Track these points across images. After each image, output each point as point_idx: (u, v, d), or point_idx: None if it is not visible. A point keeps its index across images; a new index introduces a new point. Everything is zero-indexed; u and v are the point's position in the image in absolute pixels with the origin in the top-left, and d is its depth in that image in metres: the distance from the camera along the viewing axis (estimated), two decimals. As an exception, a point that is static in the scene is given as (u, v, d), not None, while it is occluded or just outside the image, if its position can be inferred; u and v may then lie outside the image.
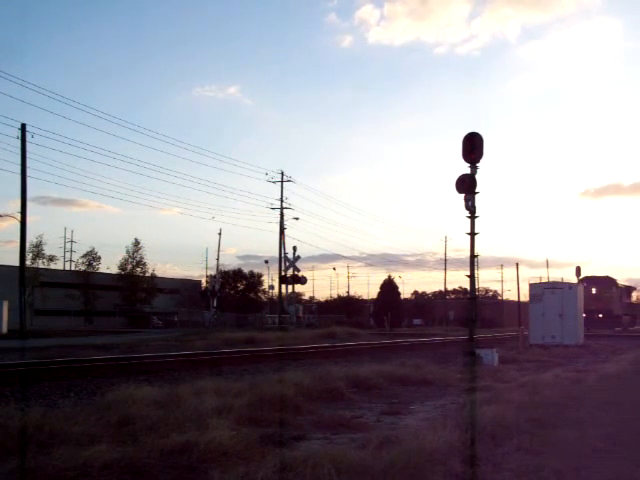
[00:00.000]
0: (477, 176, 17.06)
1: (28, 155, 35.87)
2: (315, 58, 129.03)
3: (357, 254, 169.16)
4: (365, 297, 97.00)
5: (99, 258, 70.99)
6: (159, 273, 77.34)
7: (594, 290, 54.21)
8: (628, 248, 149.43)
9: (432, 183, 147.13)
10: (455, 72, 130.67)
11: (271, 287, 78.56)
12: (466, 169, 17.20)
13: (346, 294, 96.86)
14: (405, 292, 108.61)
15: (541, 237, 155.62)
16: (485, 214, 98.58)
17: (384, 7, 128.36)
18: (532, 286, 30.08)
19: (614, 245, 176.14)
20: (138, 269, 72.15)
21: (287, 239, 55.97)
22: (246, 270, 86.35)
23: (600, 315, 52.36)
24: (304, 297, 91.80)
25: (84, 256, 70.90)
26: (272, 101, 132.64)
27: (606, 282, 57.50)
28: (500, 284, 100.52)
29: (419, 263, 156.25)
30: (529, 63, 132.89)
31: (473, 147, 16.77)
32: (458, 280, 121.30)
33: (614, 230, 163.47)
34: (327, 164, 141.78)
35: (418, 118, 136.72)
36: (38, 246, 58.02)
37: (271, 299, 75.44)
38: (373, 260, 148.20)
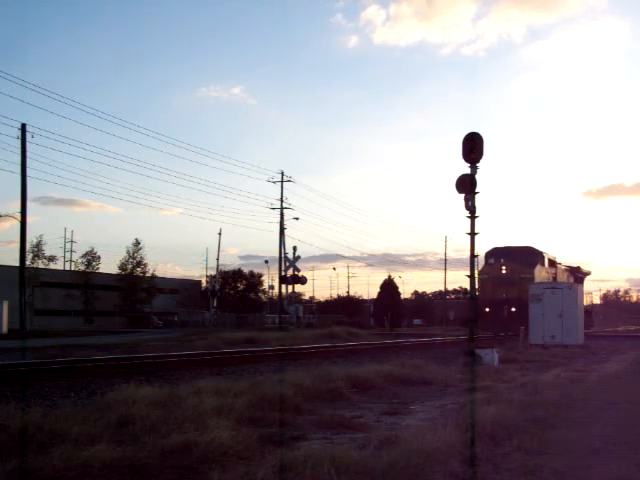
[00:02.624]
0: (477, 176, 17.11)
1: (28, 155, 35.88)
2: (320, 58, 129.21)
3: (357, 254, 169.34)
4: (365, 297, 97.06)
5: (98, 258, 71.14)
6: (160, 273, 77.42)
7: (505, 269, 36.42)
8: (630, 248, 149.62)
9: (433, 183, 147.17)
10: (460, 72, 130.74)
11: (271, 287, 78.65)
12: (467, 169, 17.22)
13: (346, 294, 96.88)
14: (405, 292, 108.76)
15: (542, 237, 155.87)
16: (486, 214, 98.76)
17: (390, 7, 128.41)
18: (532, 286, 30.11)
19: (616, 245, 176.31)
20: (138, 269, 72.16)
21: (287, 239, 56.00)
22: (247, 270, 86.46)
23: (514, 309, 34.70)
24: (304, 297, 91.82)
25: (83, 256, 71.05)
26: (276, 101, 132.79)
27: (528, 256, 37.30)
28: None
29: (419, 263, 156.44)
30: (534, 63, 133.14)
31: (473, 147, 16.80)
32: (458, 280, 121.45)
33: (616, 230, 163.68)
34: (329, 164, 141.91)
35: (422, 118, 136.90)
36: (38, 246, 58.10)
37: (271, 299, 75.44)
38: (373, 260, 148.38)
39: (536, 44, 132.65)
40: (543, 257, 38.71)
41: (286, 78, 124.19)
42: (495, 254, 38.04)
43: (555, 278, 39.82)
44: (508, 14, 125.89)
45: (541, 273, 37.23)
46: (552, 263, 40.96)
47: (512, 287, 35.58)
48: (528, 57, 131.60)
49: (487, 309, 35.03)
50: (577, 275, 48.07)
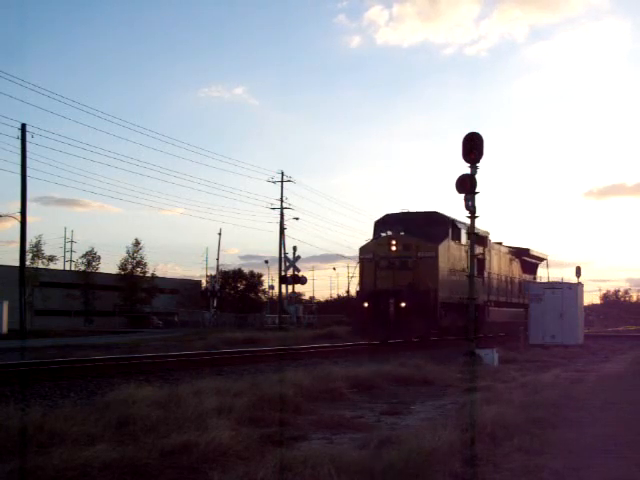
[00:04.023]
0: (477, 176, 17.11)
1: (28, 155, 35.86)
2: (323, 59, 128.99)
3: (357, 254, 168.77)
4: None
5: (98, 258, 71.16)
6: (160, 273, 77.35)
7: (395, 246, 24.52)
8: (630, 248, 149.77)
9: (435, 183, 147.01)
10: (463, 73, 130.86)
11: (271, 287, 78.50)
12: (467, 169, 17.23)
13: (346, 294, 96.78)
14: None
15: (543, 237, 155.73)
16: (487, 214, 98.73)
17: (393, 8, 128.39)
18: (532, 286, 30.13)
19: (617, 245, 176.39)
20: (138, 269, 72.18)
21: (287, 239, 55.97)
22: (247, 270, 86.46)
23: (404, 304, 23.35)
24: (304, 297, 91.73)
25: (83, 256, 71.10)
26: (278, 101, 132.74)
27: (431, 226, 25.42)
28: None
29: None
30: (536, 64, 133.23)
31: (473, 147, 16.81)
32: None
33: (616, 230, 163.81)
34: (329, 164, 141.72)
35: (424, 119, 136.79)
36: (37, 246, 58.09)
37: (271, 299, 75.38)
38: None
39: (539, 44, 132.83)
40: (457, 229, 26.59)
41: (288, 78, 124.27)
42: (387, 224, 26.25)
43: (484, 261, 28.76)
44: (511, 14, 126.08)
45: (452, 252, 26.06)
46: (480, 240, 27.58)
47: (404, 272, 24.13)
48: (530, 57, 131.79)
49: (365, 304, 23.95)
50: (525, 260, 36.57)
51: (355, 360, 16.48)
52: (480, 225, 27.60)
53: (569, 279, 38.13)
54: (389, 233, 25.62)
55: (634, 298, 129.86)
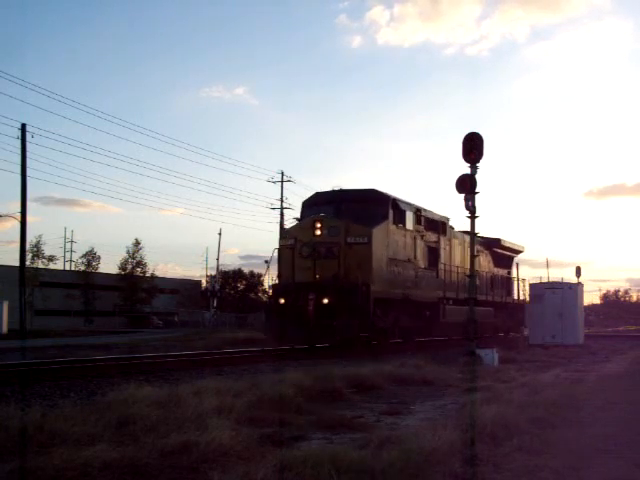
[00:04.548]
0: (477, 176, 17.11)
1: (28, 155, 35.93)
2: (324, 59, 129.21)
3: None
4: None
5: (98, 258, 71.26)
6: (160, 273, 77.46)
7: (320, 229, 20.44)
8: (631, 248, 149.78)
9: (436, 183, 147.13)
10: (464, 73, 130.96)
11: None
12: (468, 169, 17.23)
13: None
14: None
15: (544, 237, 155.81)
16: (487, 214, 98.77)
17: (394, 8, 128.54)
18: (532, 286, 30.13)
19: (617, 245, 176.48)
20: (138, 269, 72.23)
21: (287, 239, 55.93)
22: (247, 270, 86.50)
23: (327, 300, 19.36)
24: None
25: (83, 256, 71.17)
26: (278, 101, 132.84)
27: (367, 206, 21.64)
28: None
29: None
30: (537, 64, 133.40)
31: (473, 147, 16.80)
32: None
33: (617, 230, 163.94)
34: (329, 164, 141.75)
35: (425, 119, 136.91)
36: (37, 246, 58.11)
37: (271, 299, 75.20)
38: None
39: (540, 44, 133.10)
40: (400, 211, 22.27)
41: (289, 78, 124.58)
42: (316, 205, 22.17)
43: (438, 250, 24.87)
44: (512, 14, 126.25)
45: (393, 237, 21.83)
46: (433, 226, 24.56)
47: (330, 261, 19.88)
48: (531, 57, 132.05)
49: (282, 300, 20.02)
50: (496, 252, 32.46)
51: (355, 360, 16.46)
52: (437, 210, 25.85)
53: (569, 279, 37.68)
54: (320, 215, 21.13)
55: (634, 298, 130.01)
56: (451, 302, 25.71)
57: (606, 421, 7.83)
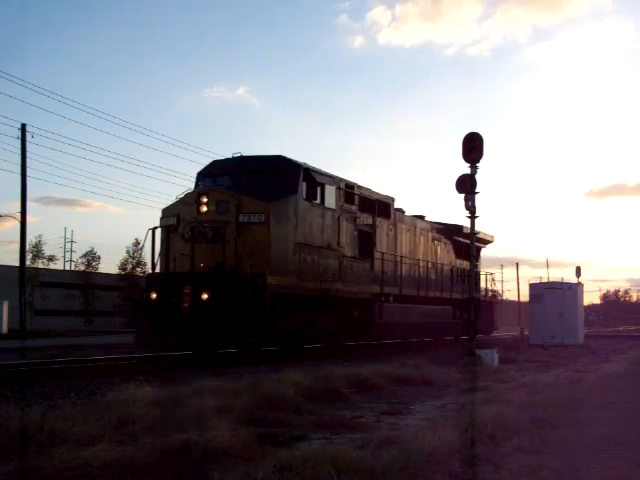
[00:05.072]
0: (477, 176, 17.13)
1: (28, 155, 35.82)
2: (325, 59, 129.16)
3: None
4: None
5: (98, 258, 71.22)
6: (159, 273, 77.34)
7: (206, 205, 16.30)
8: (631, 248, 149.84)
9: (437, 183, 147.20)
10: (464, 73, 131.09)
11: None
12: (468, 169, 17.25)
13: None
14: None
15: (544, 237, 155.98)
16: (487, 214, 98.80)
17: (395, 8, 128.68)
18: (532, 286, 30.13)
19: (617, 245, 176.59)
20: (138, 269, 72.18)
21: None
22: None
23: (206, 295, 15.16)
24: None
25: (83, 256, 71.15)
26: (279, 102, 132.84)
27: (271, 176, 17.27)
28: (500, 284, 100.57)
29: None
30: (538, 64, 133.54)
31: (473, 147, 16.82)
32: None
33: (617, 230, 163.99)
34: (330, 164, 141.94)
35: (426, 119, 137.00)
36: (37, 246, 58.09)
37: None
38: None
39: (540, 45, 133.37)
40: (315, 183, 18.08)
41: (290, 78, 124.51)
42: (212, 176, 18.45)
43: (373, 235, 20.94)
44: (513, 15, 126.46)
45: (303, 216, 17.53)
46: (367, 206, 20.62)
47: (216, 245, 15.90)
48: (532, 58, 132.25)
49: (153, 295, 16.10)
50: (459, 241, 27.76)
51: (355, 360, 16.47)
52: (376, 188, 21.56)
53: (569, 279, 37.88)
54: (212, 188, 17.21)
55: (634, 298, 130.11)
56: (392, 299, 22.11)
57: (606, 421, 7.83)
